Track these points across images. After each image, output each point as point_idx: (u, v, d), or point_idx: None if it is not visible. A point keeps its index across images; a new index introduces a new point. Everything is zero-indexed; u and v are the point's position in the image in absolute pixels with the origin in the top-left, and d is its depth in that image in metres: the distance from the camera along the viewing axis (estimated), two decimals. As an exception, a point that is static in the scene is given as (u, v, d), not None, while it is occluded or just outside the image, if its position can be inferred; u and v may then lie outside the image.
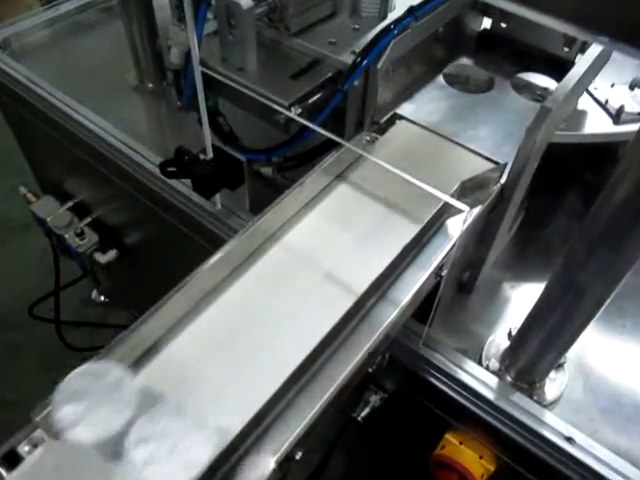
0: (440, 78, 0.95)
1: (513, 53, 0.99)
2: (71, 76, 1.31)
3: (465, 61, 0.99)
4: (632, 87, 0.94)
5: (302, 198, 0.70)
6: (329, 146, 0.85)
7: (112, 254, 1.46)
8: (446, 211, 0.69)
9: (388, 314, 0.60)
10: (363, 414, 0.94)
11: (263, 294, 0.62)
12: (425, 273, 0.64)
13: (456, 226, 0.69)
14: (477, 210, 0.69)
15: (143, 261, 1.47)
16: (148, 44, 1.24)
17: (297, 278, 0.63)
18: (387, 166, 0.61)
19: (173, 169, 0.89)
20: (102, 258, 1.45)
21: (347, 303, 0.58)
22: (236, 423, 0.49)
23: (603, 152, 1.05)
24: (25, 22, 1.47)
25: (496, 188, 0.74)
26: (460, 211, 0.69)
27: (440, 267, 0.67)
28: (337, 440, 0.97)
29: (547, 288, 0.72)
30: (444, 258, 0.66)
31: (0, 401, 1.85)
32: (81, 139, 1.15)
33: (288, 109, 0.75)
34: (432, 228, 0.68)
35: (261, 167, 0.89)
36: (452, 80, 0.96)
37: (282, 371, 0.53)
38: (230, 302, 0.62)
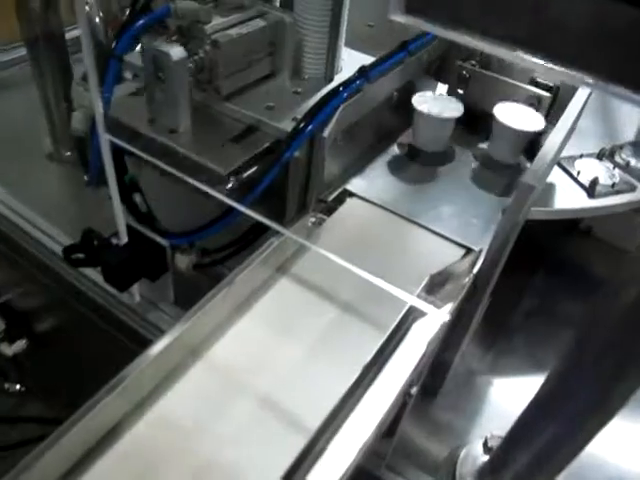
0: (394, 148, 0.84)
1: (473, 122, 0.89)
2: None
3: (420, 129, 0.89)
4: (600, 157, 0.86)
5: (232, 299, 0.56)
6: (263, 230, 0.72)
7: (21, 344, 1.27)
8: (412, 312, 0.56)
9: (348, 455, 0.45)
10: None
11: (177, 432, 0.47)
12: (392, 395, 0.49)
13: (425, 331, 0.55)
14: (448, 309, 0.56)
15: (59, 352, 1.28)
16: (64, 109, 1.09)
17: (224, 410, 0.48)
18: (337, 260, 0.48)
19: (80, 256, 0.74)
20: (8, 349, 1.25)
21: (294, 445, 0.43)
22: None
23: (566, 224, 0.97)
24: None
25: (469, 279, 0.62)
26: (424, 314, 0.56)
27: (410, 384, 0.53)
28: None
29: (537, 399, 0.59)
30: (413, 372, 0.52)
31: None
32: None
33: (227, 179, 0.61)
34: (397, 334, 0.54)
35: (178, 258, 0.74)
36: (407, 152, 0.85)
37: None
38: (136, 447, 0.46)
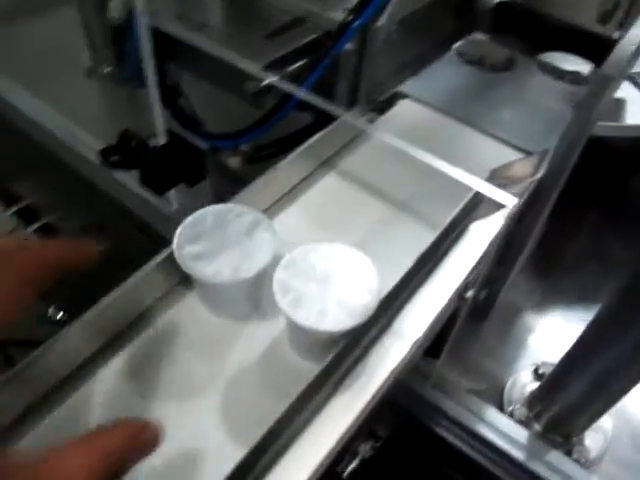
0: (451, 54, 0.77)
1: (537, 29, 0.82)
2: (16, 57, 1.13)
3: (480, 37, 0.82)
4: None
5: (276, 188, 0.52)
6: (311, 132, 0.67)
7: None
8: (472, 210, 0.51)
9: (398, 353, 0.41)
10: (350, 469, 0.74)
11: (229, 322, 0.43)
12: (446, 295, 0.45)
13: (485, 230, 0.50)
14: (515, 203, 0.50)
15: (103, 270, 1.27)
16: (102, 19, 1.05)
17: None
18: (402, 145, 0.43)
19: (117, 158, 0.70)
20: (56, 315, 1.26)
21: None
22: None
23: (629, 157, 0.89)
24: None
25: (532, 182, 0.56)
26: (489, 211, 0.51)
27: (465, 286, 0.48)
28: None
29: (595, 323, 0.54)
30: (470, 274, 0.48)
31: None
32: (21, 128, 0.97)
33: (262, 76, 0.56)
34: (453, 233, 0.50)
35: (228, 158, 0.70)
36: (465, 58, 0.78)
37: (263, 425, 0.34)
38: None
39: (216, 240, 0.43)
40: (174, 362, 0.42)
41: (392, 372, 0.41)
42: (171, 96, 0.72)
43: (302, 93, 0.55)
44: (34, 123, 0.94)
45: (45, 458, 0.26)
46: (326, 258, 0.42)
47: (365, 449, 0.75)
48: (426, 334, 0.44)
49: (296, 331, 0.41)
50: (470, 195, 0.48)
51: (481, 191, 0.44)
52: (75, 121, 0.96)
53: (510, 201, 0.45)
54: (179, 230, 0.43)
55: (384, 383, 0.40)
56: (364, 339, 0.42)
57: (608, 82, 0.51)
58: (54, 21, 1.25)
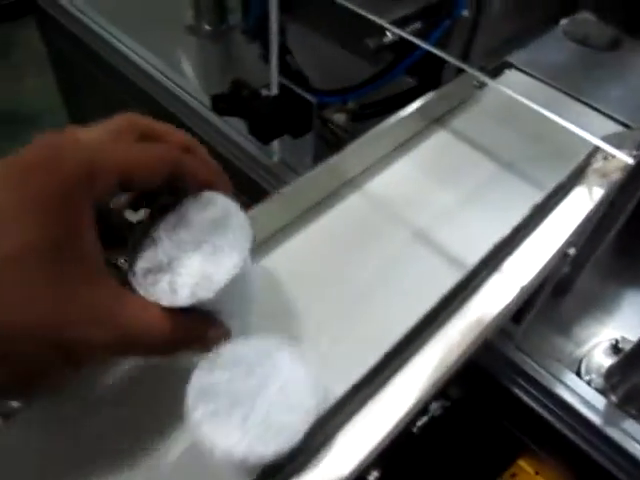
0: (558, 30, 0.78)
1: (644, 11, 0.82)
2: (124, 11, 1.18)
3: (587, 16, 0.82)
4: None
5: (391, 139, 0.55)
6: (415, 94, 0.70)
7: (142, 213, 1.33)
8: (576, 177, 0.53)
9: (502, 299, 0.44)
10: (419, 424, 0.78)
11: (338, 252, 0.47)
12: (552, 248, 0.47)
13: (589, 194, 0.52)
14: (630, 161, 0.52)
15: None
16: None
17: (386, 237, 0.48)
18: (523, 99, 0.45)
19: (226, 105, 0.75)
20: (133, 217, 1.32)
21: (453, 277, 0.42)
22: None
23: None
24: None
25: (637, 156, 0.57)
26: (592, 180, 0.53)
27: (567, 244, 0.50)
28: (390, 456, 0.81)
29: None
30: (574, 232, 0.50)
31: None
32: (128, 77, 1.02)
33: (383, 32, 0.59)
34: (558, 195, 0.52)
35: (334, 114, 0.74)
36: (571, 36, 0.79)
37: (362, 365, 0.37)
38: (287, 260, 0.46)
39: None
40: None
41: (499, 315, 0.44)
42: (280, 54, 0.76)
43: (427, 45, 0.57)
44: (142, 71, 0.99)
45: None
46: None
47: (435, 406, 0.78)
48: (532, 282, 0.46)
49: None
50: (572, 167, 0.50)
51: (602, 147, 0.45)
52: (180, 73, 1.01)
53: (626, 158, 0.47)
54: None
55: (492, 322, 0.43)
56: (474, 281, 0.45)
57: None
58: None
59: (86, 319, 0.28)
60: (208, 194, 0.34)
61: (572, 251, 0.51)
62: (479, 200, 0.50)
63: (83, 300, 0.28)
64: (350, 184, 0.51)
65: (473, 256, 0.44)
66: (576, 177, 0.54)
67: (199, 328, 0.33)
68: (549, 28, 0.79)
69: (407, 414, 0.38)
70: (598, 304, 0.79)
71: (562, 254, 0.51)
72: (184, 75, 0.99)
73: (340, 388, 0.35)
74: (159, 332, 0.30)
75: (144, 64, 1.00)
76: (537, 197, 0.49)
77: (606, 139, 0.57)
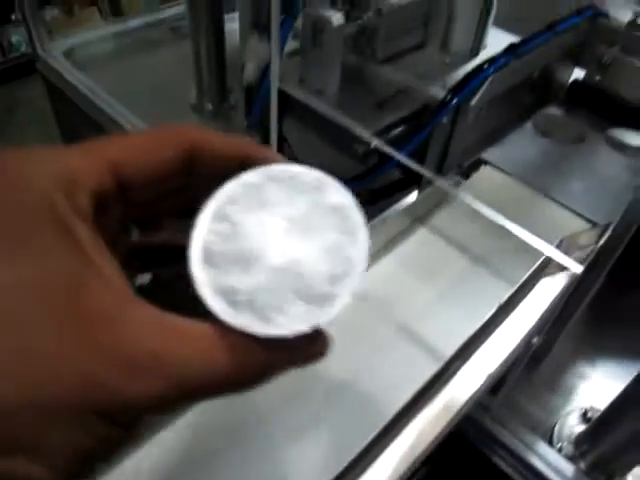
0: (528, 125, 0.87)
1: (607, 106, 0.91)
2: (131, 90, 1.27)
3: (554, 111, 0.92)
4: None
5: (378, 238, 0.63)
6: (400, 187, 0.78)
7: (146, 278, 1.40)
8: (542, 269, 0.61)
9: (472, 386, 0.51)
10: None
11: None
12: (516, 340, 0.55)
13: (551, 287, 0.60)
14: (580, 269, 0.60)
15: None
16: (213, 63, 1.19)
17: (370, 330, 0.55)
18: (484, 209, 0.53)
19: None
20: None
21: (429, 370, 0.49)
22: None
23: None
24: (91, 34, 1.45)
25: (594, 250, 0.65)
26: (556, 270, 0.61)
27: (531, 334, 0.58)
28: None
29: (636, 379, 0.62)
30: (537, 324, 0.57)
31: None
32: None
33: (372, 139, 0.68)
34: (525, 289, 0.59)
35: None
36: (540, 129, 0.88)
37: (347, 454, 0.44)
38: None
39: None
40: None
41: (470, 399, 0.51)
42: (278, 143, 0.84)
43: (403, 157, 0.66)
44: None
45: None
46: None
47: (421, 471, 0.84)
48: (498, 370, 0.53)
49: None
50: (542, 258, 0.57)
51: (552, 257, 0.53)
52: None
53: (575, 267, 0.55)
54: None
55: (463, 407, 0.50)
56: (448, 371, 0.52)
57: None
58: (168, 56, 1.41)
59: (117, 371, 0.19)
60: (289, 168, 0.25)
61: (535, 340, 0.58)
62: (453, 295, 0.57)
63: (105, 344, 0.19)
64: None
65: (447, 348, 0.52)
66: (541, 270, 0.62)
67: (297, 346, 0.23)
68: (522, 123, 0.88)
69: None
70: (570, 373, 0.86)
71: (527, 343, 0.58)
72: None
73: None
74: (234, 365, 0.22)
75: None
76: (505, 291, 0.57)
77: (567, 238, 0.65)
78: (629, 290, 0.96)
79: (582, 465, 0.73)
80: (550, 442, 0.76)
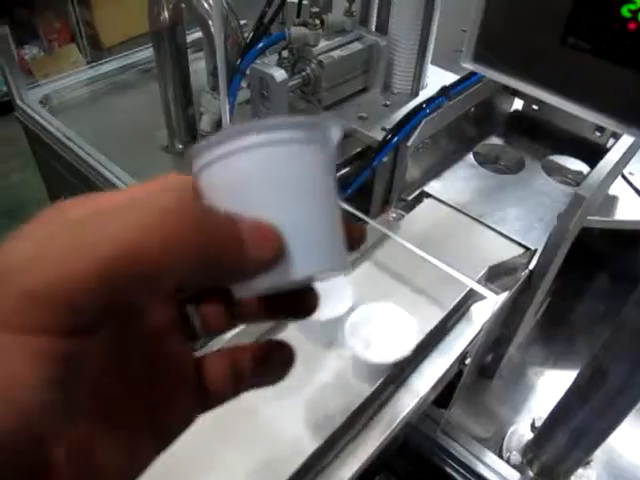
0: (469, 156, 0.94)
1: (544, 135, 0.98)
2: (105, 133, 1.34)
3: (495, 140, 0.99)
4: (668, 174, 0.92)
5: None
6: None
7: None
8: (472, 296, 0.67)
9: (407, 404, 0.57)
10: (374, 500, 0.89)
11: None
12: (448, 361, 0.61)
13: (481, 312, 0.66)
14: (504, 297, 0.66)
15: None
16: (181, 107, 1.25)
17: (312, 359, 0.61)
18: (413, 248, 0.59)
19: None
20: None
21: (365, 391, 0.55)
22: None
23: (631, 238, 1.03)
24: (66, 80, 1.52)
25: (524, 274, 0.72)
26: (484, 297, 0.67)
27: (464, 355, 0.64)
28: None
29: (575, 381, 0.68)
30: (468, 346, 0.63)
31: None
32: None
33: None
34: (457, 313, 0.66)
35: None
36: (482, 159, 0.95)
37: (290, 465, 0.50)
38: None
39: None
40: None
41: (404, 417, 0.57)
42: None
43: (343, 198, 0.72)
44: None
45: None
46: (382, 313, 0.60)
47: (380, 484, 0.89)
48: (431, 390, 0.59)
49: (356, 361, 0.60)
50: (467, 289, 0.64)
51: (474, 288, 0.59)
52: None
53: (497, 296, 0.61)
54: None
55: (397, 425, 0.56)
56: (385, 392, 0.58)
57: (582, 201, 0.67)
58: (141, 97, 1.48)
59: None
60: None
61: (468, 361, 0.64)
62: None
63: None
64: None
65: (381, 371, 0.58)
66: (469, 297, 0.68)
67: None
68: (463, 154, 0.94)
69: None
70: (520, 385, 0.92)
71: (459, 364, 0.64)
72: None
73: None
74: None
75: (124, 186, 1.14)
76: (439, 317, 0.63)
77: (494, 266, 0.72)
78: (572, 303, 1.02)
79: (530, 473, 0.79)
80: (500, 452, 0.82)
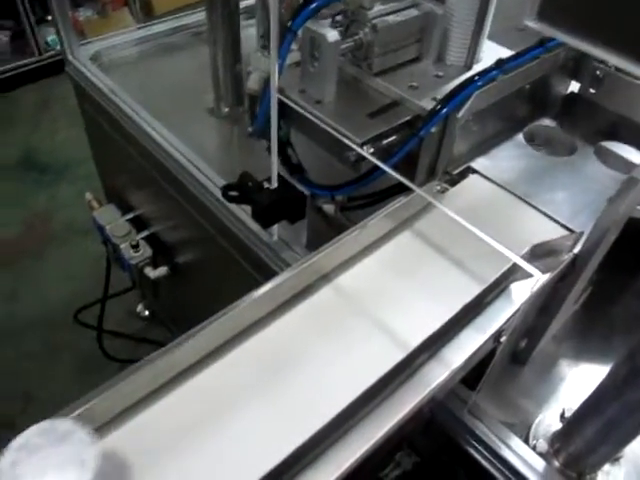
0: (520, 136, 0.91)
1: (599, 120, 0.95)
2: (152, 93, 1.35)
3: (548, 122, 0.95)
4: None
5: (362, 241, 0.67)
6: (397, 191, 0.82)
7: (163, 270, 1.47)
8: (512, 274, 0.65)
9: (437, 375, 0.56)
10: (392, 476, 0.88)
11: (305, 336, 0.59)
12: (483, 337, 0.59)
13: (521, 291, 0.64)
14: (546, 277, 0.64)
15: (192, 281, 1.46)
16: (230, 69, 1.26)
17: (345, 323, 0.60)
18: (457, 218, 0.57)
19: (235, 194, 0.88)
20: (152, 273, 1.45)
21: (396, 357, 0.54)
22: None
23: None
24: (117, 38, 1.53)
25: (568, 257, 0.69)
26: (527, 275, 0.65)
27: (500, 332, 0.62)
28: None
29: (610, 374, 0.66)
30: (505, 323, 0.62)
31: (33, 397, 1.87)
32: (149, 152, 1.17)
33: (361, 147, 0.72)
34: (496, 290, 0.64)
35: (324, 204, 0.87)
36: (532, 140, 0.92)
37: (313, 424, 0.49)
38: (266, 341, 0.59)
39: None
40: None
41: (432, 389, 0.56)
42: (282, 146, 0.89)
43: (385, 166, 0.70)
44: (165, 152, 1.13)
45: None
46: None
47: (407, 461, 0.89)
48: (464, 365, 0.58)
49: None
50: (509, 265, 0.62)
51: (517, 262, 0.57)
52: (196, 151, 1.15)
53: (539, 275, 0.59)
54: None
55: (426, 396, 0.55)
56: (417, 360, 0.56)
57: (635, 185, 0.64)
58: (189, 60, 1.48)
59: None
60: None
61: (503, 339, 0.62)
62: (430, 292, 0.62)
63: None
64: (324, 279, 0.64)
65: (417, 341, 0.56)
66: (511, 274, 0.66)
67: None
68: (513, 133, 0.92)
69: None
70: (552, 374, 0.89)
71: (494, 341, 0.62)
72: (203, 157, 1.12)
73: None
74: None
75: (168, 146, 1.14)
76: (476, 291, 0.61)
77: (538, 245, 0.69)
78: (613, 297, 0.99)
79: (555, 463, 0.77)
80: (527, 439, 0.80)
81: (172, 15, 1.62)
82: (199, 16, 1.59)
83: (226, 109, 1.31)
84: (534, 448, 0.78)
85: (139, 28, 1.62)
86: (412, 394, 0.55)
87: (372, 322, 0.60)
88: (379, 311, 0.61)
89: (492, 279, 0.61)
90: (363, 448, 0.52)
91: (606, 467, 0.76)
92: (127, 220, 1.53)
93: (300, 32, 0.78)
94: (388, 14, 0.80)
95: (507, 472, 0.74)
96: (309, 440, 0.50)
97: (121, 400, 0.52)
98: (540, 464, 0.73)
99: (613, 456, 0.74)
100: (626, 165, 0.91)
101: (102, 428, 0.51)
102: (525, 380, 0.87)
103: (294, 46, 0.85)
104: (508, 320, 0.62)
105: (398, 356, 0.54)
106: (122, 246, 1.45)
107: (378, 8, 0.79)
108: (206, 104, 1.33)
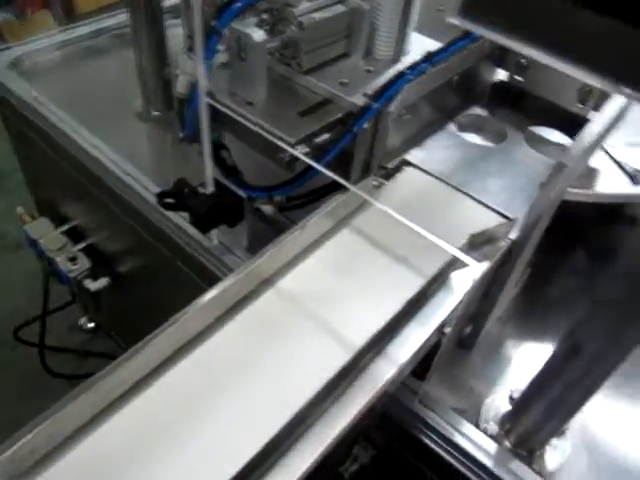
0: (452, 126, 0.92)
1: (527, 106, 0.97)
2: (78, 99, 1.30)
3: (478, 111, 0.97)
4: (650, 148, 0.92)
5: (302, 241, 0.67)
6: (334, 188, 0.82)
7: (103, 282, 1.42)
8: (452, 265, 0.66)
9: (386, 372, 0.56)
10: (351, 470, 0.89)
11: (251, 342, 0.58)
12: (428, 330, 0.60)
13: (462, 281, 0.65)
14: (485, 266, 0.65)
15: (135, 292, 1.43)
16: (157, 72, 1.22)
17: (290, 327, 0.60)
18: (394, 214, 0.58)
19: (171, 201, 0.86)
20: (92, 285, 1.41)
21: (343, 358, 0.54)
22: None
23: (612, 213, 1.03)
24: (38, 43, 1.47)
25: (505, 243, 0.71)
26: (467, 265, 0.66)
27: (443, 324, 0.63)
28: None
29: (552, 355, 0.68)
30: (448, 315, 0.62)
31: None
32: (79, 161, 1.13)
33: (293, 147, 0.72)
34: (437, 282, 0.64)
35: (262, 205, 0.86)
36: (464, 129, 0.93)
37: (267, 430, 0.48)
38: (214, 350, 0.58)
39: None
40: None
41: (382, 387, 0.56)
42: (216, 149, 0.87)
43: (323, 164, 0.70)
44: (95, 160, 1.10)
45: None
46: None
47: (364, 455, 0.89)
48: (411, 359, 0.58)
49: None
50: (448, 258, 0.63)
51: (456, 255, 0.58)
52: (127, 158, 1.12)
53: (479, 264, 0.60)
54: None
55: (376, 393, 0.55)
56: (363, 360, 0.56)
57: (563, 169, 0.66)
58: (114, 63, 1.43)
59: None
60: None
61: (447, 330, 0.63)
62: (372, 289, 0.62)
63: None
64: (267, 282, 0.63)
65: (363, 340, 0.56)
66: (451, 265, 0.67)
67: None
68: (445, 124, 0.93)
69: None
70: (498, 357, 0.91)
71: (438, 333, 0.63)
72: (135, 164, 1.09)
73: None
74: None
75: (98, 154, 1.10)
76: (417, 285, 0.62)
77: (476, 235, 0.71)
78: (550, 277, 1.02)
79: (507, 443, 0.79)
80: (477, 423, 0.82)
81: (95, 15, 1.57)
82: (123, 17, 1.54)
83: (156, 113, 1.28)
84: (485, 431, 0.79)
85: (61, 31, 1.55)
86: (362, 393, 0.55)
87: (317, 324, 0.60)
88: (324, 312, 0.61)
89: (433, 272, 0.62)
90: (319, 450, 0.52)
91: (554, 441, 0.79)
92: (62, 232, 1.47)
93: (226, 32, 0.77)
94: (315, 11, 0.79)
95: (461, 457, 0.75)
96: (264, 447, 0.50)
97: (70, 422, 0.50)
98: (492, 446, 0.75)
99: (559, 430, 0.76)
100: (555, 150, 0.94)
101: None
102: (473, 363, 0.89)
103: (221, 46, 0.83)
104: (451, 311, 0.63)
105: (346, 356, 0.54)
106: (58, 259, 1.40)
107: (304, 5, 0.78)
108: (135, 109, 1.30)
